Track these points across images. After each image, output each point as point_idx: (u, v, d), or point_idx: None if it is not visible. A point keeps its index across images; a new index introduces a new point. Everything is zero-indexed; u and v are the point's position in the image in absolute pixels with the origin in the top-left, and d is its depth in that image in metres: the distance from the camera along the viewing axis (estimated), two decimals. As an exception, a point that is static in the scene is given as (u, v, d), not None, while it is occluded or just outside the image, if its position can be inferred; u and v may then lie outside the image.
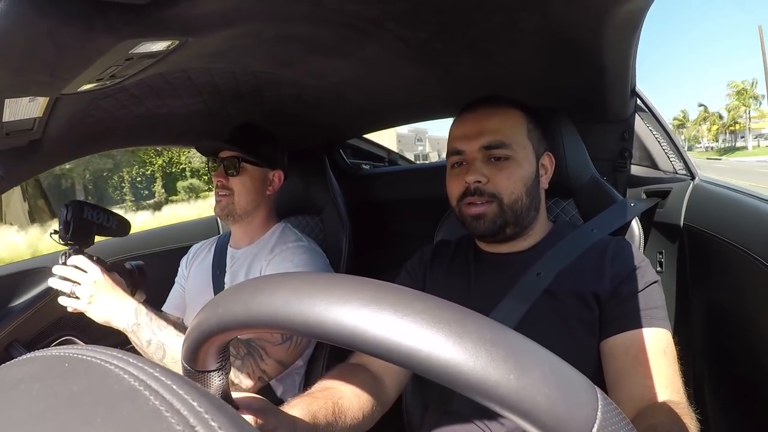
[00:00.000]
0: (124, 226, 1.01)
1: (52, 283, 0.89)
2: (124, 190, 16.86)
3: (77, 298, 0.88)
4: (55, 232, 0.93)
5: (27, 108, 0.71)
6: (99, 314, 0.87)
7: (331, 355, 1.15)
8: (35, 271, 1.26)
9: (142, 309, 0.88)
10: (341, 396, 0.64)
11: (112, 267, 0.96)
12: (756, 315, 0.80)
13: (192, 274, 1.19)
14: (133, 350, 0.91)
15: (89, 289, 0.87)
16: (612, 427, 0.22)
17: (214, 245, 1.20)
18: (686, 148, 1.29)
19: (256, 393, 0.69)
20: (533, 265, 0.78)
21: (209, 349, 0.34)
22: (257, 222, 1.13)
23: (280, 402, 0.58)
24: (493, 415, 0.71)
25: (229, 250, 1.16)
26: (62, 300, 0.89)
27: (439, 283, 0.85)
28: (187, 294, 1.18)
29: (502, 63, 0.92)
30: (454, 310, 0.25)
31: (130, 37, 0.53)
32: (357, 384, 0.68)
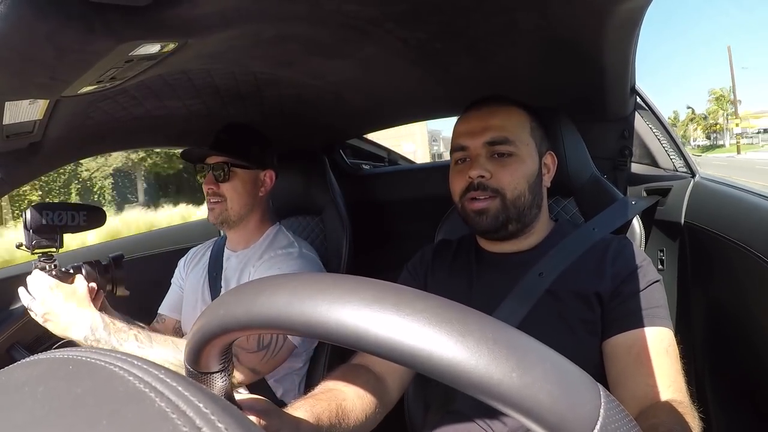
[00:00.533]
0: (96, 217, 0.96)
1: (21, 298, 0.88)
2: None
3: (35, 312, 0.87)
4: (21, 244, 0.90)
5: (27, 110, 0.71)
6: (55, 328, 0.86)
7: (332, 355, 1.15)
8: None
9: (99, 323, 0.86)
10: (344, 397, 0.64)
11: (87, 267, 0.93)
12: (757, 312, 0.80)
13: (190, 276, 1.19)
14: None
15: (42, 305, 0.86)
16: (615, 424, 0.22)
17: (212, 248, 1.20)
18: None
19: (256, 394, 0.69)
20: (535, 265, 0.78)
21: (211, 350, 0.34)
22: (252, 225, 1.12)
23: (281, 403, 0.58)
24: (495, 415, 0.71)
25: (226, 252, 1.16)
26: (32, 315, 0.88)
27: (441, 283, 0.85)
28: (185, 296, 1.18)
29: (502, 63, 0.92)
30: (456, 309, 0.25)
31: (129, 39, 0.53)
32: (360, 385, 0.68)
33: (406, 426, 0.95)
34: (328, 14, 0.67)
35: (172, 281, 1.23)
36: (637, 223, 0.95)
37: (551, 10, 0.71)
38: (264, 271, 1.03)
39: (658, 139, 1.24)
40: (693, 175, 1.16)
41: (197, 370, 0.35)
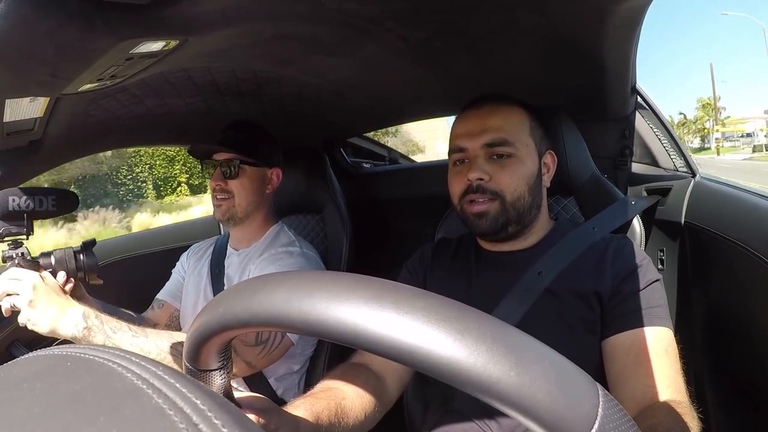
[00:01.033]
0: (66, 201, 0.91)
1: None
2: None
3: (19, 311, 0.80)
4: None
5: (28, 108, 0.71)
6: (43, 325, 0.79)
7: (332, 354, 1.15)
8: None
9: (91, 311, 0.81)
10: (344, 396, 0.64)
11: (59, 253, 0.88)
12: (757, 312, 0.80)
13: (191, 271, 1.19)
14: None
15: (27, 298, 0.79)
16: (613, 423, 0.22)
17: (214, 245, 1.20)
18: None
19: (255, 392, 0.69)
20: (535, 264, 0.77)
21: (211, 348, 0.34)
22: (256, 223, 1.12)
23: (280, 401, 0.58)
24: (493, 414, 0.71)
25: (229, 249, 1.16)
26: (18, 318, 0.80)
27: (440, 282, 0.85)
28: (185, 292, 1.17)
29: (502, 62, 0.92)
30: (455, 307, 0.25)
31: (130, 37, 0.53)
32: (359, 384, 0.68)
33: (406, 425, 0.95)
34: (329, 13, 0.67)
35: (172, 271, 1.22)
36: (637, 223, 0.95)
37: (551, 9, 0.71)
38: (264, 268, 1.03)
39: (659, 139, 1.23)
40: (693, 175, 1.16)
41: (196, 367, 0.35)
